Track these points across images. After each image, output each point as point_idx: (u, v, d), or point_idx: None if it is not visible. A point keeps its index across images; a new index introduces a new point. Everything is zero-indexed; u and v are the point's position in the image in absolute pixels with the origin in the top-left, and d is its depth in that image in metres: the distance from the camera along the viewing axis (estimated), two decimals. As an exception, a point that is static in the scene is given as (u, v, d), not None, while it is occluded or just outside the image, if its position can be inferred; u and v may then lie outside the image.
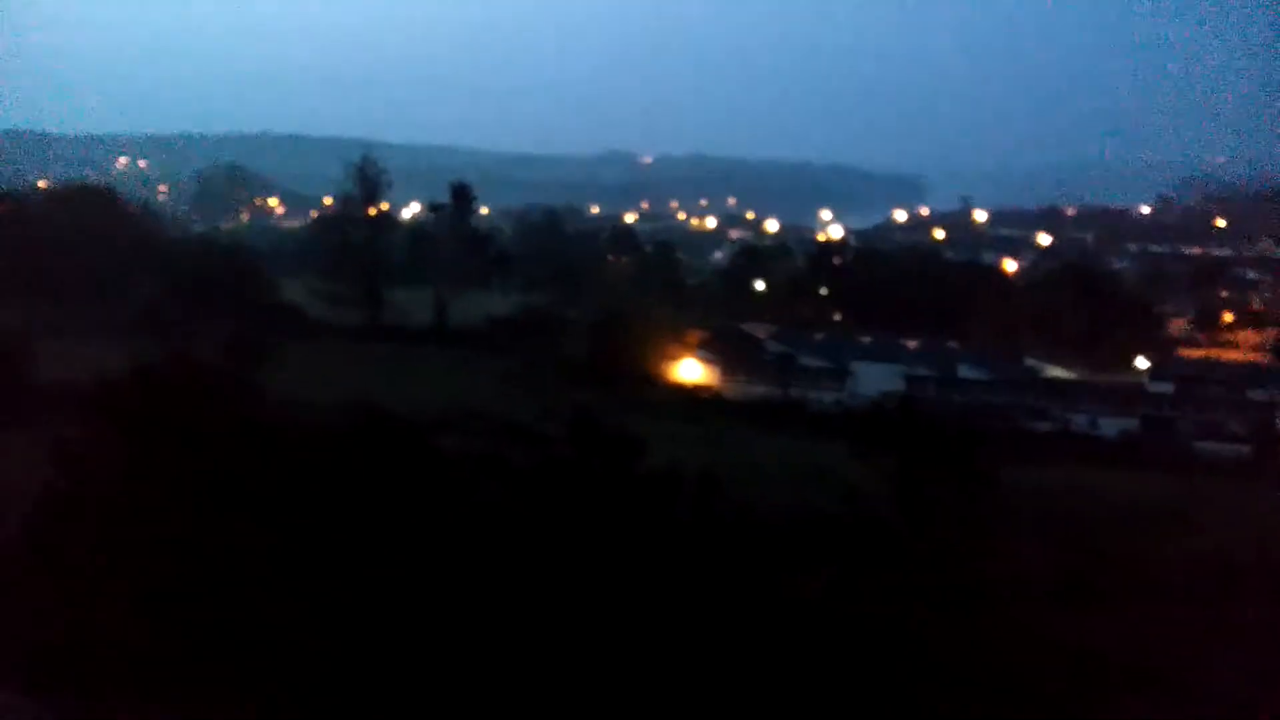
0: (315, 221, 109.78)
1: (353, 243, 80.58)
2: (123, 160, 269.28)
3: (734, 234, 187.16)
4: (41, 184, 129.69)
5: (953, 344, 77.04)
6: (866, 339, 78.17)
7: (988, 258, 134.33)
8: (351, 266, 78.75)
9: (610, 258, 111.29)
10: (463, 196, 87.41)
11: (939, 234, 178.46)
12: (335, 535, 23.33)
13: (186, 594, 21.22)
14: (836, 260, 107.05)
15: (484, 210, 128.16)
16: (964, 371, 70.20)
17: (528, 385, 56.51)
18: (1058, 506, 38.21)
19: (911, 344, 76.47)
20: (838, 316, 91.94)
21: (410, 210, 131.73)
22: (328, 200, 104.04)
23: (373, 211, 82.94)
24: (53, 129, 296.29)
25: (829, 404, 61.54)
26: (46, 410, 36.93)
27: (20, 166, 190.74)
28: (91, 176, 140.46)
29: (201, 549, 22.29)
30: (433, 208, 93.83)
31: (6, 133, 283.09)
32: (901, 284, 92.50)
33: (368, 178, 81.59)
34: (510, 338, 70.33)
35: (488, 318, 75.82)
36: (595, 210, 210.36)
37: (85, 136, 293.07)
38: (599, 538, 23.84)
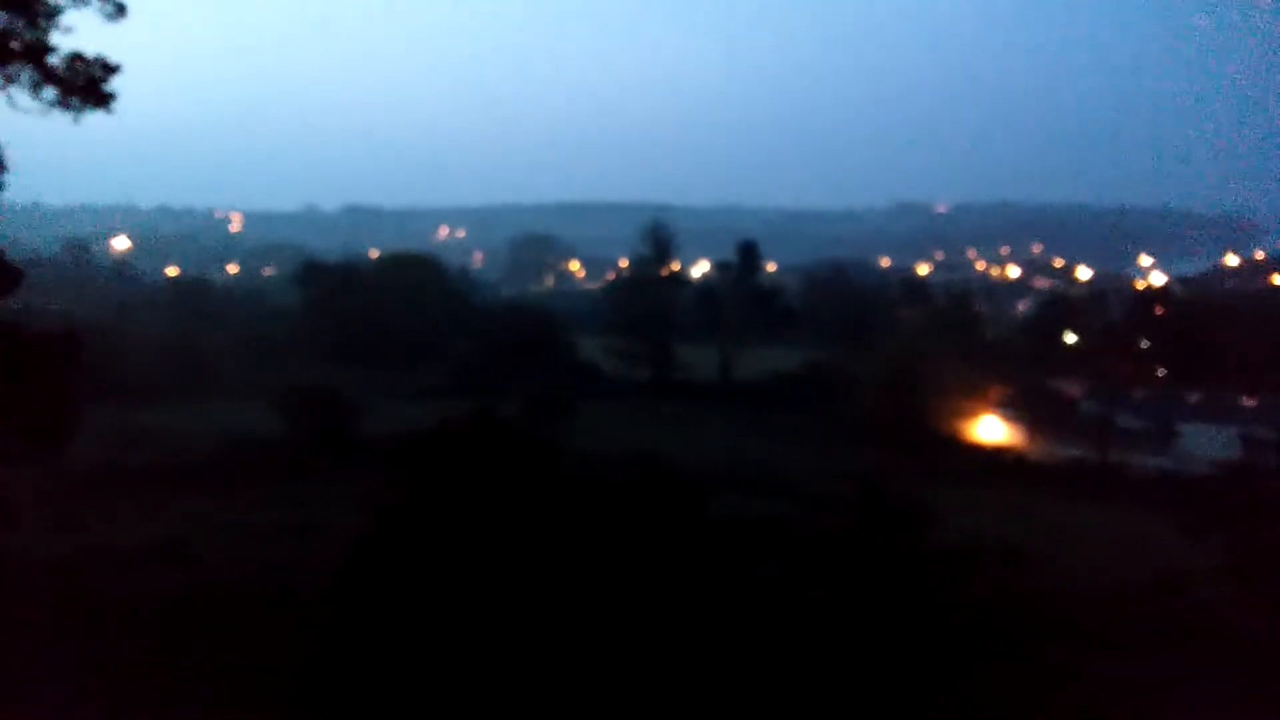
0: (610, 283, 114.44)
1: (644, 302, 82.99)
2: (443, 231, 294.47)
3: (1040, 283, 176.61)
4: (373, 253, 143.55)
5: (1299, 403, 68.22)
6: (1195, 397, 70.74)
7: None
8: (642, 325, 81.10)
9: (901, 311, 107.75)
10: (749, 254, 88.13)
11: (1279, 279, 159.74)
12: (615, 592, 23.46)
13: (480, 639, 22.00)
14: (1158, 310, 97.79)
15: (771, 267, 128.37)
16: (1314, 434, 61.80)
17: (813, 444, 55.29)
18: None
19: (1249, 402, 68.38)
20: (1161, 372, 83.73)
21: (699, 269, 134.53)
22: (623, 263, 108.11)
23: (663, 272, 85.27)
24: (384, 203, 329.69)
25: (1152, 469, 55.64)
26: (368, 463, 40.34)
27: (355, 238, 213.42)
28: (415, 246, 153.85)
29: (494, 596, 23.15)
30: (720, 266, 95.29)
31: (345, 209, 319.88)
32: (1236, 335, 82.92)
33: (659, 240, 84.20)
34: (796, 394, 69.33)
35: (773, 374, 75.37)
36: (886, 263, 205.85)
37: (411, 210, 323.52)
38: (886, 616, 22.37)
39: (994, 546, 27.50)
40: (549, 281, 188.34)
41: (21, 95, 19.36)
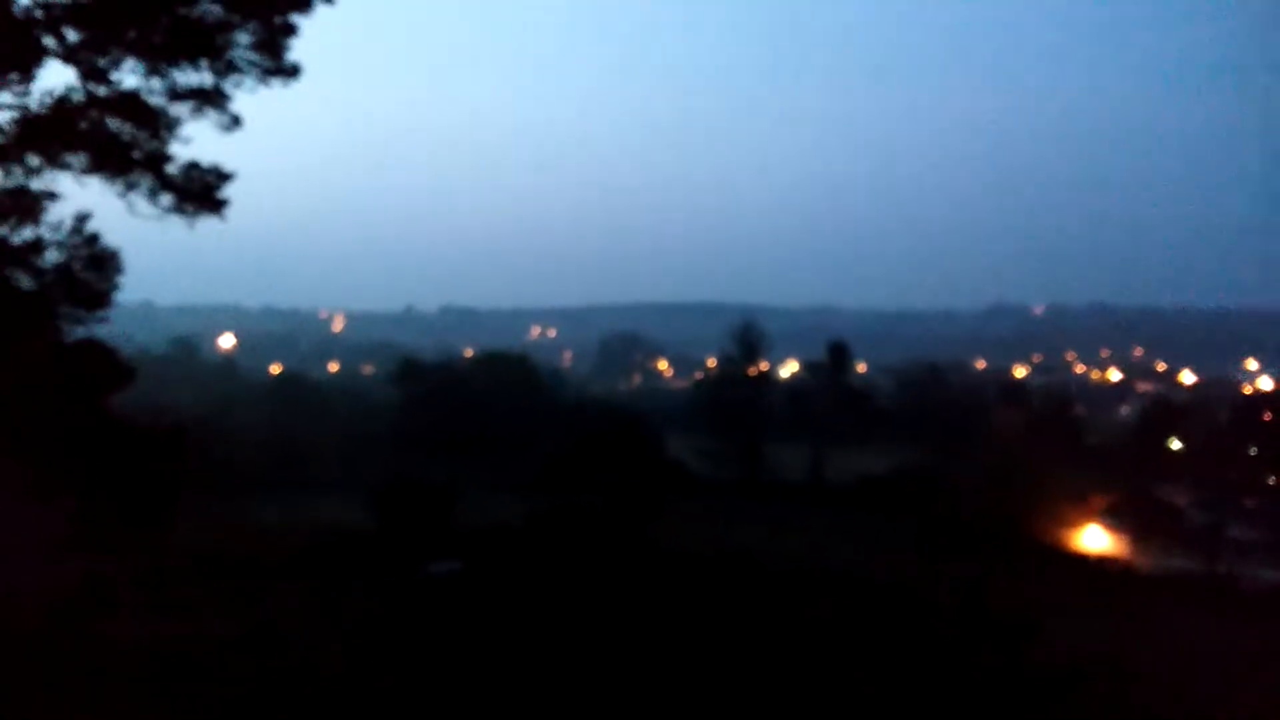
0: (698, 382, 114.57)
1: (731, 402, 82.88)
2: (535, 330, 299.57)
3: (1141, 387, 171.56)
4: (468, 352, 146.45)
5: None
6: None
7: None
8: (730, 424, 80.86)
9: (998, 414, 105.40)
10: (839, 354, 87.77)
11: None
12: (704, 690, 23.04)
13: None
14: (1267, 415, 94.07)
15: (861, 368, 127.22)
16: None
17: (908, 548, 53.80)
18: None
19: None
20: (1272, 480, 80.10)
21: (788, 369, 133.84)
22: (711, 362, 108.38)
23: (751, 372, 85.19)
24: (479, 304, 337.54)
25: (1266, 582, 52.77)
26: (460, 554, 41.06)
27: (451, 338, 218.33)
28: (508, 345, 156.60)
29: (574, 688, 23.08)
30: (809, 366, 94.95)
31: (443, 309, 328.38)
32: (1356, 442, 79.14)
33: (747, 339, 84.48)
34: (888, 497, 67.87)
35: (864, 476, 74.03)
36: (981, 365, 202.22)
37: (505, 310, 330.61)
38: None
39: (1102, 661, 26.13)
40: (636, 380, 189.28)
41: (140, 201, 20.42)
